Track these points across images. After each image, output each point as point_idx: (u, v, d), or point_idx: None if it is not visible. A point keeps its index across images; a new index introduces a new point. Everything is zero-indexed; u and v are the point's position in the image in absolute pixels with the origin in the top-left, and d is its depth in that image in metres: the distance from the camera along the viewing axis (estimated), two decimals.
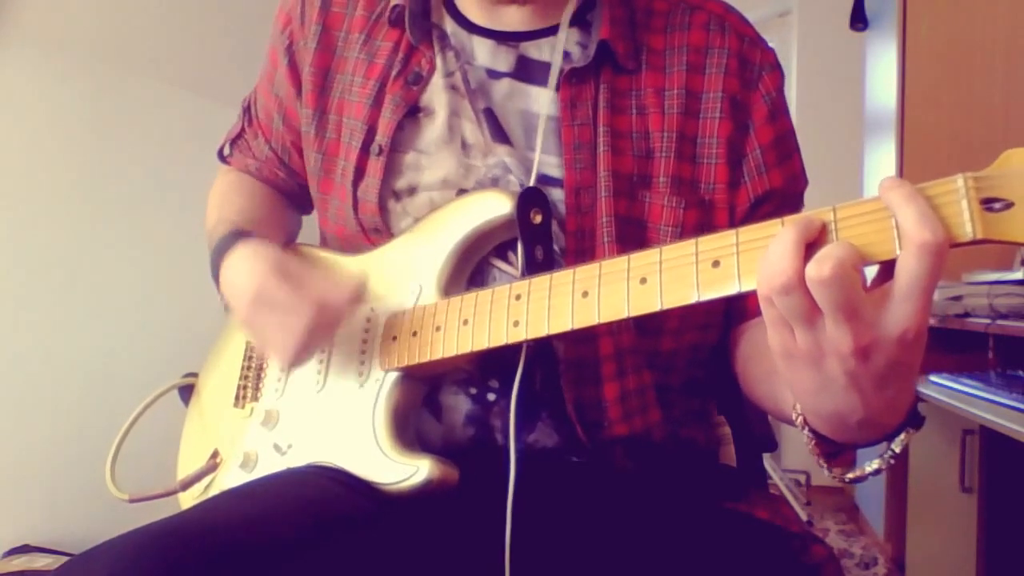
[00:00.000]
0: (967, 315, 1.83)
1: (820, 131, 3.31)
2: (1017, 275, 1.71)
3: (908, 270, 0.42)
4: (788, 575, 0.60)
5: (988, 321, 1.71)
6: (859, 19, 2.73)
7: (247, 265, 0.69)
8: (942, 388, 1.61)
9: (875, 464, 0.50)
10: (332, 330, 0.67)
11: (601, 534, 0.64)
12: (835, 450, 0.52)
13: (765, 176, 0.72)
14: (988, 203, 0.42)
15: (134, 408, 0.87)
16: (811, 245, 0.44)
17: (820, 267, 0.42)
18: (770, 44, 0.77)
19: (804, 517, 2.83)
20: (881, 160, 2.59)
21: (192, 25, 2.14)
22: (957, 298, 1.85)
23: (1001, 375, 1.61)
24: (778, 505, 0.70)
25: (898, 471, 2.23)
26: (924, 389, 1.66)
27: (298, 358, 0.67)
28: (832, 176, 3.18)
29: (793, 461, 3.31)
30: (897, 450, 0.48)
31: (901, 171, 2.35)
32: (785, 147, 0.75)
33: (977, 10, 2.27)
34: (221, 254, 0.73)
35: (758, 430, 0.93)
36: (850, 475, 0.51)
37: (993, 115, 2.20)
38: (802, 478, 3.29)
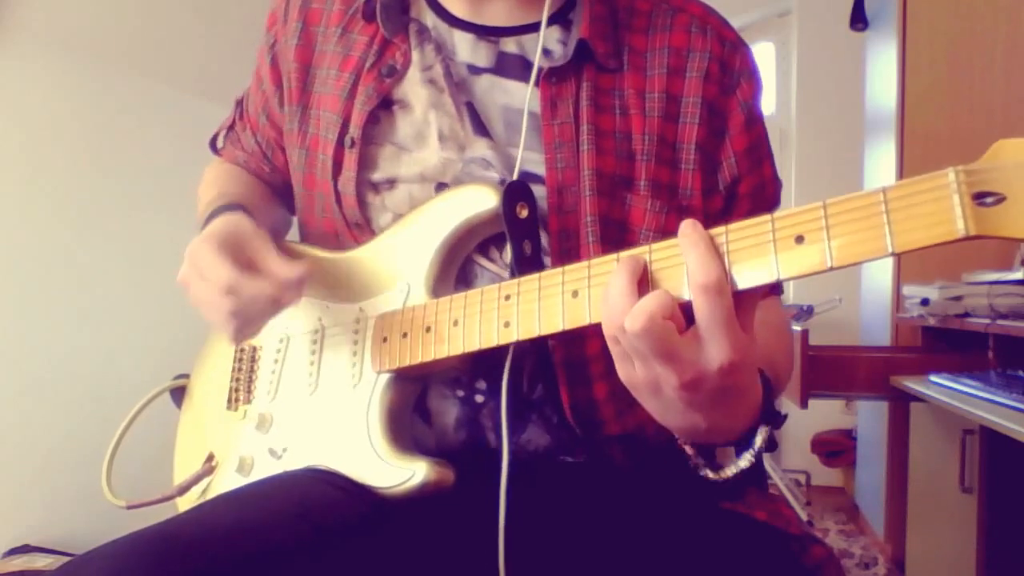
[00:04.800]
0: (967, 315, 1.83)
1: (820, 131, 3.32)
2: (1017, 275, 1.71)
3: (698, 311, 0.47)
4: None
5: (988, 321, 1.71)
6: (859, 19, 2.73)
7: (206, 231, 0.67)
8: (942, 388, 1.61)
9: (743, 463, 0.55)
10: (252, 313, 0.63)
11: (598, 535, 0.63)
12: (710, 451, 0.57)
13: (737, 184, 0.73)
14: (980, 197, 0.40)
15: (133, 407, 0.87)
16: (640, 283, 0.50)
17: (633, 321, 0.47)
18: (770, 44, 0.77)
19: (804, 517, 2.83)
20: (881, 160, 2.59)
21: (191, 26, 2.14)
22: (957, 298, 1.85)
23: (1001, 375, 1.61)
24: (778, 505, 0.70)
25: (898, 471, 2.23)
26: (924, 389, 1.66)
27: (235, 335, 0.64)
28: (832, 176, 3.20)
29: (793, 461, 3.31)
30: (758, 444, 0.54)
31: (901, 171, 2.35)
32: (757, 154, 0.75)
33: (977, 10, 2.27)
34: (204, 225, 0.72)
35: None
36: (724, 473, 0.55)
37: (993, 115, 2.20)
38: (802, 478, 3.29)
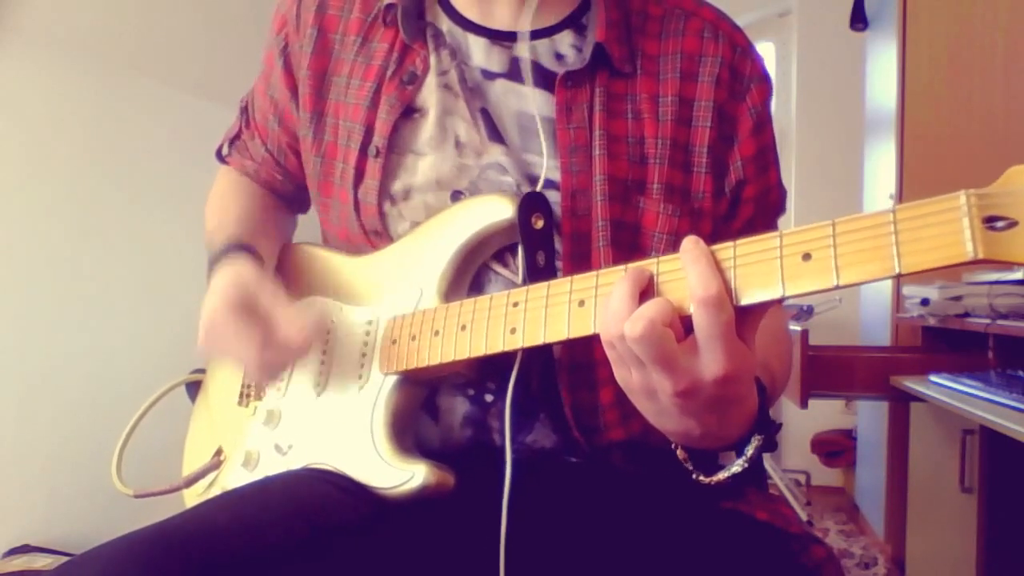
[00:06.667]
0: (967, 315, 1.83)
1: (820, 131, 3.32)
2: (1017, 275, 1.71)
3: (697, 323, 0.47)
4: None
5: (988, 321, 1.71)
6: (859, 19, 2.74)
7: (216, 289, 0.69)
8: (942, 388, 1.61)
9: (734, 468, 0.55)
10: (276, 369, 0.70)
11: (599, 535, 0.63)
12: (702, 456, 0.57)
13: (743, 188, 0.74)
14: (990, 221, 0.40)
15: (137, 406, 0.87)
16: (644, 293, 0.50)
17: (633, 326, 0.48)
18: (770, 44, 0.78)
19: (804, 517, 2.83)
20: (881, 160, 2.59)
21: (192, 25, 2.14)
22: (957, 298, 1.85)
23: (1001, 375, 1.61)
24: (778, 505, 0.70)
25: (898, 471, 2.23)
26: (924, 389, 1.66)
27: (257, 382, 0.76)
28: (832, 176, 3.20)
29: (793, 461, 3.31)
30: (749, 453, 0.54)
31: (901, 171, 2.36)
32: (763, 160, 0.75)
33: (977, 10, 2.27)
34: (212, 267, 0.73)
35: None
36: (715, 478, 0.56)
37: (993, 115, 2.20)
38: (802, 478, 3.29)
